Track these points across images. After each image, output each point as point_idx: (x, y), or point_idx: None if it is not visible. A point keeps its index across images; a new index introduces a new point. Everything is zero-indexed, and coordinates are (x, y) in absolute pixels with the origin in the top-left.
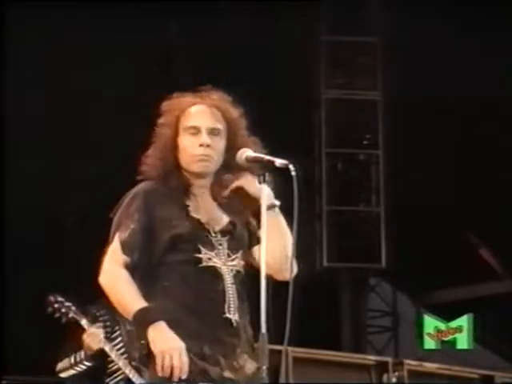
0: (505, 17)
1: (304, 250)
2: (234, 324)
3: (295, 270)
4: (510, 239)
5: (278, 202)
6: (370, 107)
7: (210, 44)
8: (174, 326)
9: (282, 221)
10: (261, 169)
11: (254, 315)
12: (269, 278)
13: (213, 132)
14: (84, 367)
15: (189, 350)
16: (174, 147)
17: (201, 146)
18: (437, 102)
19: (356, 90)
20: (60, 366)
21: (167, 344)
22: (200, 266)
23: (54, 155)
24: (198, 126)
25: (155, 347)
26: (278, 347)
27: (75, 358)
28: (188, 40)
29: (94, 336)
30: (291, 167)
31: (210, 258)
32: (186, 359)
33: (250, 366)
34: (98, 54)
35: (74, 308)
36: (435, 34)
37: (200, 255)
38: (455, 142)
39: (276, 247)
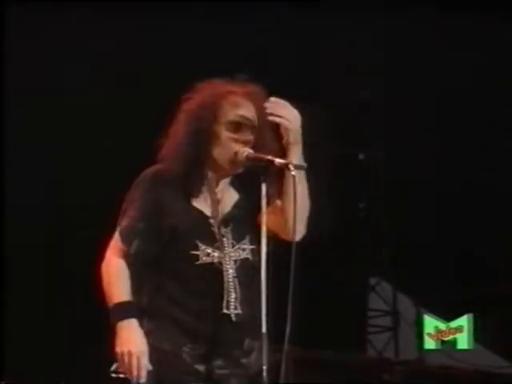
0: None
1: None
2: (234, 319)
3: (302, 233)
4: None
5: (305, 164)
6: (370, 107)
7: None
8: (169, 323)
9: (304, 184)
10: (261, 168)
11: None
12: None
13: (252, 129)
14: None
15: (181, 347)
16: (211, 137)
17: (243, 143)
18: (437, 101)
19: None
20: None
21: (128, 346)
22: (197, 263)
23: (54, 156)
24: (244, 121)
25: (116, 346)
26: (279, 347)
27: None
28: (190, 40)
29: None
30: (291, 167)
31: (208, 254)
32: (144, 364)
33: (253, 347)
34: (99, 53)
35: None
36: (435, 33)
37: (197, 252)
38: (456, 142)
39: (296, 206)
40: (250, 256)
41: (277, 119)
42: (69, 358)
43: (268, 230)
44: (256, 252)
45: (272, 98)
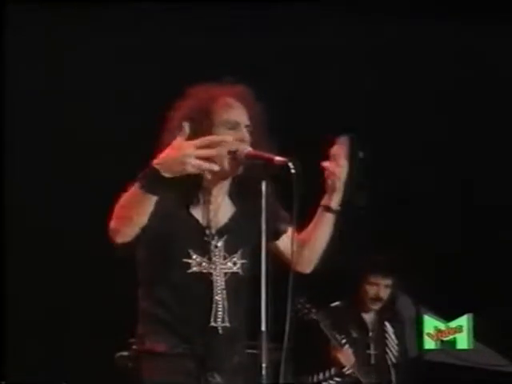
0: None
1: None
2: (221, 332)
3: (313, 266)
4: None
5: (339, 208)
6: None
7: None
8: (161, 327)
9: (331, 226)
10: (260, 166)
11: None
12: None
13: (247, 128)
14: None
15: (175, 349)
16: (205, 136)
17: (241, 141)
18: (438, 100)
19: None
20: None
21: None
22: (188, 272)
23: (55, 156)
24: (238, 121)
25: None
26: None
27: (324, 375)
28: (191, 39)
29: (347, 355)
30: (291, 165)
31: (200, 264)
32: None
33: (242, 366)
34: (99, 54)
35: (314, 310)
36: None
37: (189, 260)
38: (456, 141)
39: (320, 245)
40: (240, 271)
41: (336, 169)
42: (69, 358)
43: (279, 257)
44: (246, 267)
45: (343, 139)
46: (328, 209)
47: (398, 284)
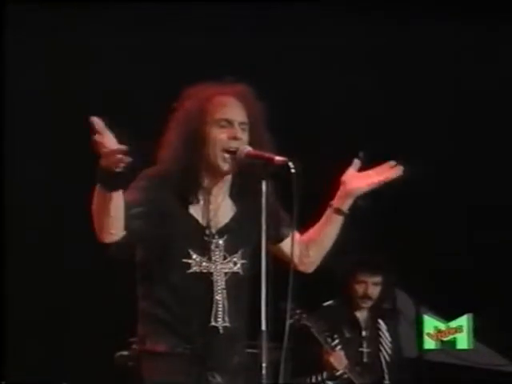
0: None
1: None
2: (221, 331)
3: (316, 266)
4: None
5: (348, 212)
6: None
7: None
8: (162, 326)
9: (338, 226)
10: (261, 166)
11: (255, 316)
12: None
13: (241, 126)
14: None
15: (175, 348)
16: (200, 137)
17: (234, 139)
18: (437, 100)
19: None
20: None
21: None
22: (188, 272)
23: (55, 156)
24: (231, 119)
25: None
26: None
27: (317, 378)
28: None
29: (339, 358)
30: (291, 164)
31: (200, 264)
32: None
33: (243, 365)
34: (99, 54)
35: (304, 315)
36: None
37: (189, 260)
38: (456, 142)
39: (327, 246)
40: (240, 271)
41: (375, 180)
42: (69, 358)
43: (283, 259)
44: (247, 267)
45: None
46: (338, 211)
47: (388, 282)
